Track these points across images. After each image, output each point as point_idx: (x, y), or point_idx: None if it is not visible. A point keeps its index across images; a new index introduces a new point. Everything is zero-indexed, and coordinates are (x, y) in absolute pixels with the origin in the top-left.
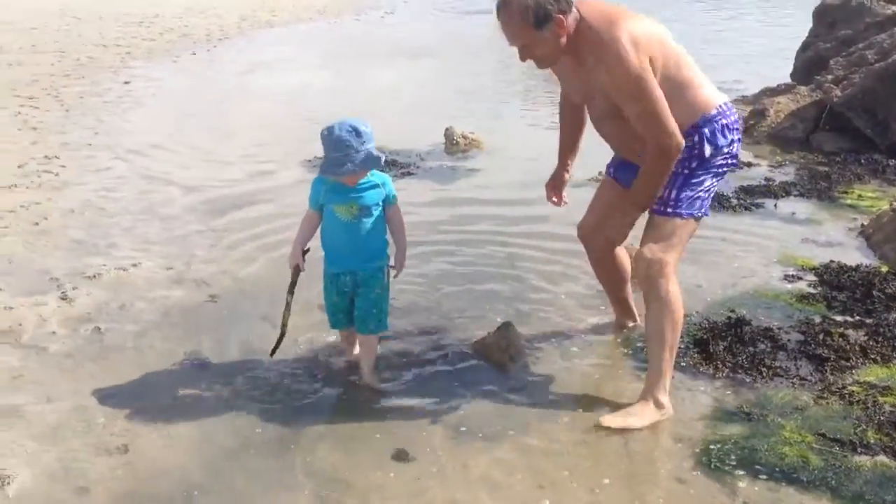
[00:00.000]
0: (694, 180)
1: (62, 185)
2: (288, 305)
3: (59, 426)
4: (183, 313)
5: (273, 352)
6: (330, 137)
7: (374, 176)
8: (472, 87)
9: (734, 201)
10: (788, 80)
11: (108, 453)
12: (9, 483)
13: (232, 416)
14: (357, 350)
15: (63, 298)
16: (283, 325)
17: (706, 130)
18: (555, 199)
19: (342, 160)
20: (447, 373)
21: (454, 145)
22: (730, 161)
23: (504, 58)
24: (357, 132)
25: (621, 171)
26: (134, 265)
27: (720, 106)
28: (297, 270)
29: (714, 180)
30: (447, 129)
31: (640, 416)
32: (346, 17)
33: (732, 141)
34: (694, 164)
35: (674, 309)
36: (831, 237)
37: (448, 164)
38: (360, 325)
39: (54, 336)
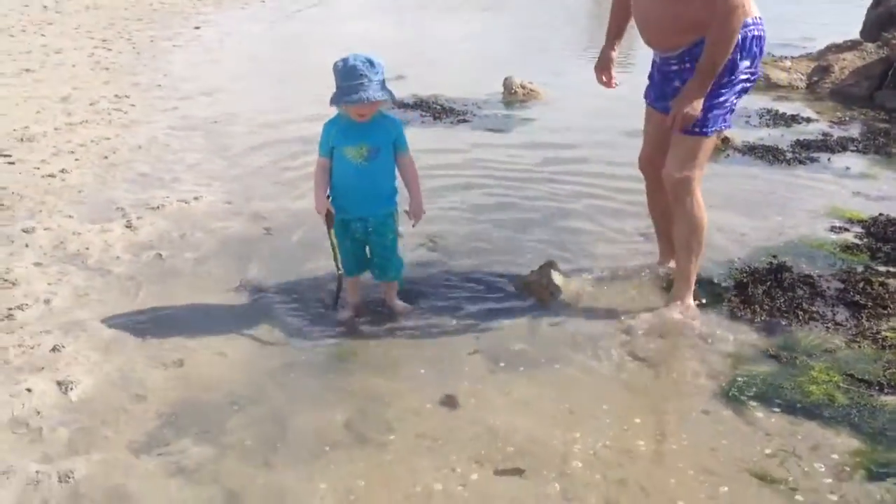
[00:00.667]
0: (720, 99)
1: (131, 122)
2: (335, 248)
3: (120, 340)
4: (239, 244)
5: (336, 300)
6: (344, 67)
7: (387, 119)
8: (534, 41)
9: (789, 154)
10: (857, 37)
11: (164, 366)
12: (72, 388)
13: (279, 339)
14: (359, 297)
15: (128, 226)
16: (339, 270)
17: (739, 37)
18: (604, 78)
19: (355, 88)
20: (489, 307)
21: (512, 95)
22: (751, 78)
23: (569, 13)
24: (371, 62)
25: (658, 99)
26: (196, 198)
27: (757, 17)
28: (329, 216)
29: (735, 98)
30: (506, 79)
31: (670, 316)
32: None
33: (756, 55)
34: (724, 80)
35: (699, 221)
36: (883, 192)
37: (504, 113)
38: (382, 273)
39: (118, 260)
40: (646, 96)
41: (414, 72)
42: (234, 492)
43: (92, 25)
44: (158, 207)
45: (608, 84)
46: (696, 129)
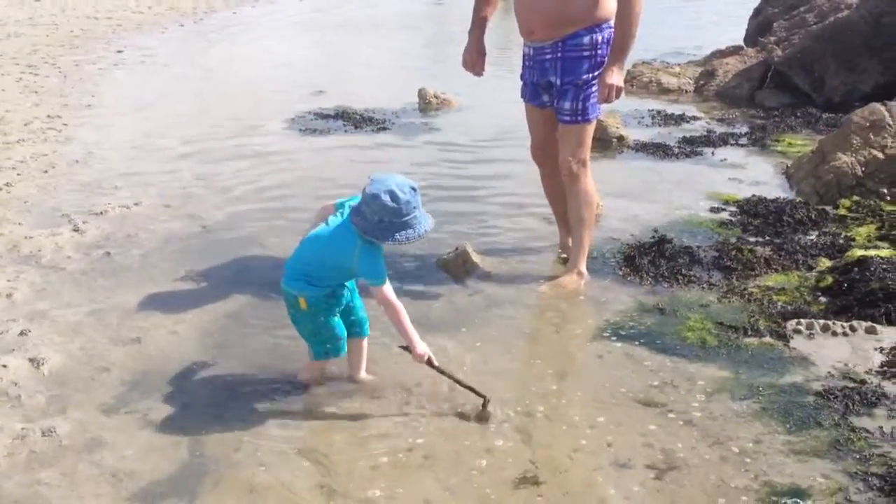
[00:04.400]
0: (592, 89)
1: (65, 139)
2: (460, 380)
3: (80, 324)
4: (181, 240)
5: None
6: (395, 203)
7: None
8: (445, 56)
9: (676, 150)
10: (741, 44)
11: (124, 344)
12: (43, 364)
13: (224, 317)
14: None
15: (75, 230)
16: (484, 396)
17: (612, 33)
18: (478, 64)
19: (411, 223)
20: (417, 283)
21: (427, 104)
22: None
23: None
24: (415, 189)
25: (534, 97)
26: (136, 203)
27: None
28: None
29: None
30: (420, 90)
31: (568, 283)
32: None
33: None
34: (594, 74)
35: (591, 196)
36: (758, 177)
37: (420, 120)
38: (363, 326)
39: (70, 259)
40: (522, 96)
41: (334, 87)
42: (197, 437)
43: (15, 52)
44: (102, 213)
45: (480, 71)
46: (580, 118)
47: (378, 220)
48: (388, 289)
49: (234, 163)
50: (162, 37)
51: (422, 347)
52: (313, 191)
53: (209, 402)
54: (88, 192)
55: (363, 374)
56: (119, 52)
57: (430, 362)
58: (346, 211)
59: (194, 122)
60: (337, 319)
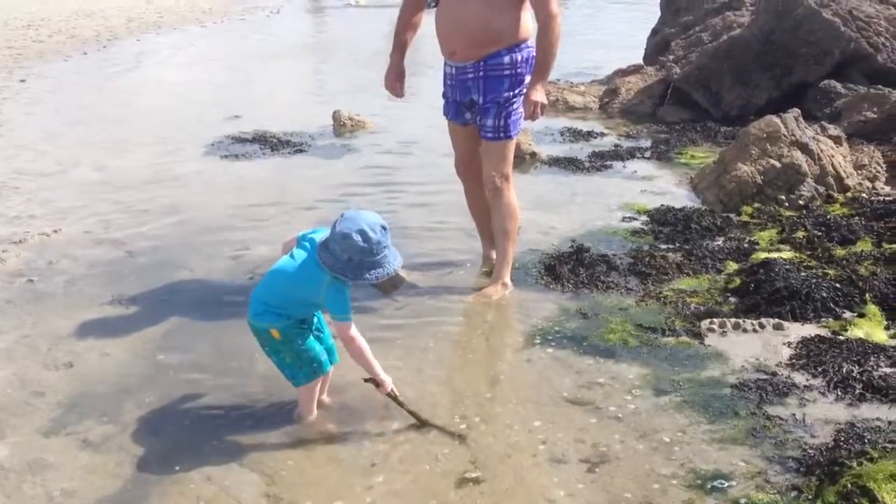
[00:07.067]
0: (513, 107)
1: None
2: (408, 407)
3: (10, 351)
4: (105, 265)
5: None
6: (366, 243)
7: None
8: (356, 78)
9: (587, 164)
10: (640, 62)
11: (56, 368)
12: None
13: (157, 337)
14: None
15: None
16: (418, 416)
17: (525, 56)
18: (398, 87)
19: (381, 262)
20: None
21: (342, 127)
22: (525, 89)
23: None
24: (385, 228)
25: (457, 115)
26: (55, 231)
27: (531, 41)
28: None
29: (518, 104)
30: (335, 112)
31: (493, 294)
32: (232, 17)
33: (530, 71)
34: (516, 92)
35: (514, 209)
36: (665, 188)
37: (336, 142)
38: (334, 352)
39: None
40: (445, 114)
41: (249, 111)
42: (138, 455)
43: None
44: (21, 241)
45: (400, 92)
46: (503, 135)
47: (348, 258)
48: (351, 325)
49: (154, 188)
50: (65, 65)
51: (388, 381)
52: (236, 214)
53: (147, 421)
54: (4, 222)
55: (323, 397)
56: (22, 81)
57: (392, 394)
58: (309, 245)
59: (107, 149)
60: (313, 339)
